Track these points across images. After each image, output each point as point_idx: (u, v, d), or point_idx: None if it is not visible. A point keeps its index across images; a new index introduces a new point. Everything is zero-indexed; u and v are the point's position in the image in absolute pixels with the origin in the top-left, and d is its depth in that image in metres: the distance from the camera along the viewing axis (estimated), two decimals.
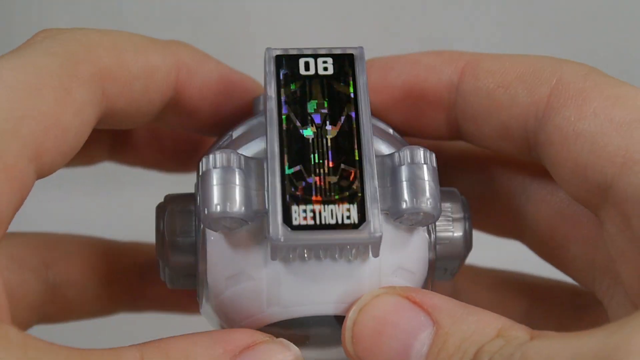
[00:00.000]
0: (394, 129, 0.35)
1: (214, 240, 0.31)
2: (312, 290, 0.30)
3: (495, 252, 0.40)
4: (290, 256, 0.29)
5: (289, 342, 0.29)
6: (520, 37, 0.63)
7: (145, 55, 0.32)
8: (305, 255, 0.30)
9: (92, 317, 0.39)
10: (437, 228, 0.33)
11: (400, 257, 0.31)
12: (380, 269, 0.31)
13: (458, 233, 0.34)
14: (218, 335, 0.29)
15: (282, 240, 0.29)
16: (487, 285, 0.40)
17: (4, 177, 0.27)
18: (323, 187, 0.29)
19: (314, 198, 0.29)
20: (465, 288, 0.40)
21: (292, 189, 0.29)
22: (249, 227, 0.30)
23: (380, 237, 0.29)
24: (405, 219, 0.30)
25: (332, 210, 0.29)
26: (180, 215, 0.33)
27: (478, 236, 0.36)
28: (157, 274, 0.35)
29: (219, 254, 0.31)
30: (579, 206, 0.35)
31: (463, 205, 0.34)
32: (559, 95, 0.31)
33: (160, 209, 0.33)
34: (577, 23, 0.62)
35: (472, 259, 0.36)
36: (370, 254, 0.30)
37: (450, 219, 0.34)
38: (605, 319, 0.33)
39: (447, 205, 0.34)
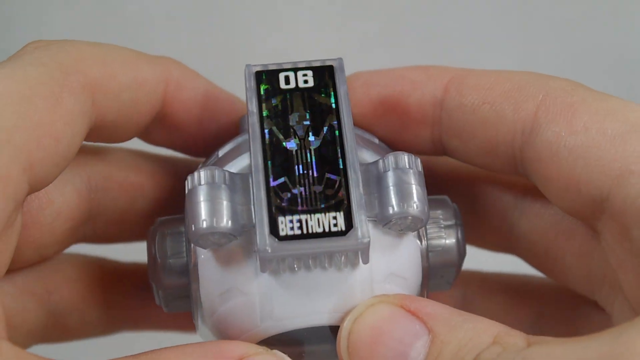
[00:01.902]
0: (379, 139, 0.35)
1: (205, 259, 0.31)
2: (305, 301, 0.30)
3: (502, 255, 0.39)
4: (280, 268, 0.30)
5: (283, 354, 0.29)
6: (518, 39, 0.63)
7: (135, 67, 0.32)
8: (295, 266, 0.30)
9: (90, 337, 0.38)
10: (428, 235, 0.33)
11: (391, 263, 0.31)
12: (372, 276, 0.30)
13: (450, 240, 0.33)
14: (211, 346, 0.28)
15: (269, 251, 0.29)
16: (497, 291, 0.40)
17: (1, 191, 0.27)
18: (308, 197, 0.29)
19: (300, 208, 0.29)
20: (474, 295, 0.40)
21: (278, 201, 0.29)
22: (238, 243, 0.30)
23: (369, 243, 0.29)
24: (394, 225, 0.30)
25: (318, 219, 0.29)
26: (171, 237, 0.33)
27: None
28: None
29: (210, 272, 0.31)
30: (572, 218, 0.35)
31: (454, 213, 0.34)
32: (547, 110, 0.31)
33: (152, 233, 0.33)
34: (576, 23, 0.62)
35: (481, 263, 0.36)
36: (360, 261, 0.30)
37: (441, 225, 0.33)
38: (547, 229, 0.35)
39: (438, 213, 0.34)
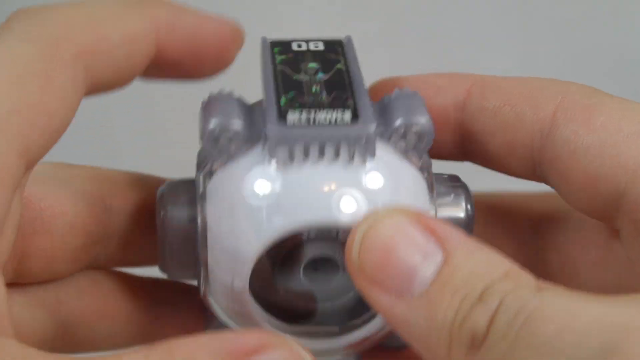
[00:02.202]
0: None
1: (212, 186, 0.31)
2: (312, 197, 0.30)
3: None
4: (288, 159, 0.30)
5: (299, 346, 0.28)
6: (518, 39, 0.63)
7: (124, 22, 0.32)
8: (302, 159, 0.30)
9: (99, 351, 0.38)
10: (437, 190, 0.33)
11: (398, 183, 0.31)
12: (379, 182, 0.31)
13: (460, 214, 0.33)
14: (226, 337, 0.28)
15: (278, 133, 0.29)
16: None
17: (2, 181, 0.27)
18: (317, 101, 0.30)
19: (308, 106, 0.30)
20: None
21: (287, 100, 0.30)
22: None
23: (375, 130, 0.30)
24: (400, 138, 0.31)
25: (326, 113, 0.30)
26: (180, 183, 0.33)
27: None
28: (173, 314, 0.35)
29: (218, 194, 0.31)
30: (586, 230, 0.35)
31: (464, 190, 0.34)
32: (565, 111, 0.32)
33: (159, 195, 0.33)
34: (576, 23, 0.62)
35: None
36: (368, 157, 0.30)
37: (449, 185, 0.34)
38: (563, 242, 0.36)
39: (444, 176, 0.34)
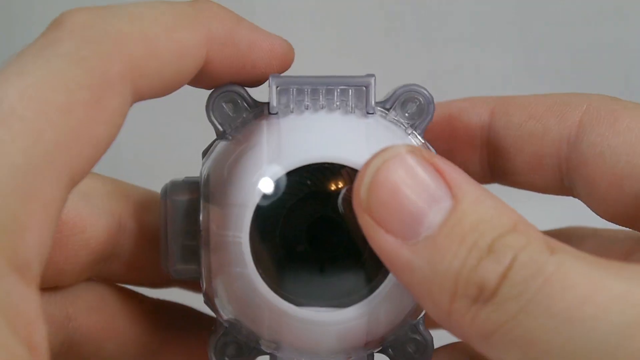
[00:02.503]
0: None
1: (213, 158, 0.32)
2: (313, 140, 0.31)
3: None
4: (289, 103, 0.31)
5: None
6: (518, 39, 0.63)
7: (176, 35, 0.31)
8: (304, 105, 0.31)
9: None
10: None
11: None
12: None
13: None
14: None
15: (281, 79, 0.31)
16: None
17: (45, 216, 0.26)
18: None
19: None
20: None
21: None
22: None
23: (374, 78, 0.31)
24: (400, 107, 0.32)
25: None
26: (184, 180, 0.33)
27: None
28: (180, 339, 0.35)
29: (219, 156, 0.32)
30: (610, 246, 0.36)
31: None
32: (590, 117, 0.33)
33: (162, 191, 0.34)
34: (577, 23, 0.62)
35: None
36: (368, 109, 0.31)
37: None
38: None
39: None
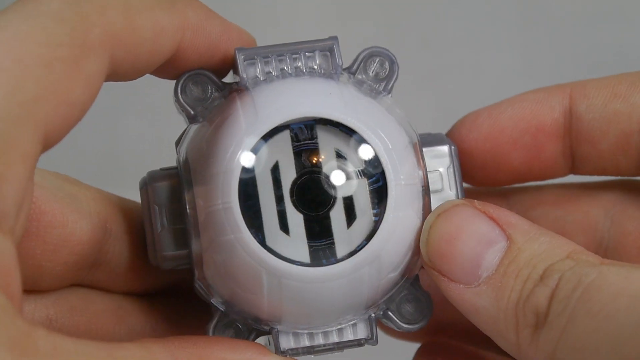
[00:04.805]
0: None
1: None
2: (288, 101, 0.31)
3: None
4: (258, 74, 0.32)
5: None
6: (518, 39, 0.63)
7: (154, 15, 0.31)
8: (273, 70, 0.32)
9: None
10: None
11: (368, 103, 0.32)
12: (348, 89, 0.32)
13: (444, 148, 0.34)
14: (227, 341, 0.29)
15: (246, 50, 0.32)
16: None
17: (23, 168, 0.26)
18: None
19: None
20: None
21: None
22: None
23: (336, 39, 0.32)
24: (364, 69, 0.32)
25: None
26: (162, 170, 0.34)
27: None
28: (173, 330, 0.35)
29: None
30: None
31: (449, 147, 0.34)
32: None
33: (142, 183, 0.33)
34: (577, 23, 0.62)
35: None
36: (335, 69, 0.32)
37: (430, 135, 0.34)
38: None
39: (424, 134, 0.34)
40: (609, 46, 0.62)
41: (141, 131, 0.63)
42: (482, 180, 0.36)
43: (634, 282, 0.27)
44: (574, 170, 0.36)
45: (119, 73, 0.31)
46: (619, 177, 0.36)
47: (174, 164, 0.33)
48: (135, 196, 0.35)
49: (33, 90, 0.27)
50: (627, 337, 0.26)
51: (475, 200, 0.31)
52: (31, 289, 0.34)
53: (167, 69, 0.33)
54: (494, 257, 0.29)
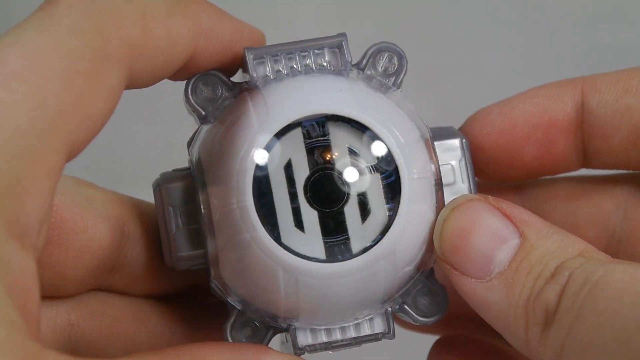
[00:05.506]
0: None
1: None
2: (299, 98, 0.31)
3: None
4: (267, 72, 0.32)
5: None
6: (518, 39, 0.63)
7: (169, 23, 0.31)
8: (282, 69, 0.32)
9: None
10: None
11: (378, 98, 0.32)
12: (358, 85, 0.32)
13: (455, 142, 0.34)
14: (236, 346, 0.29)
15: (256, 49, 0.32)
16: None
17: (47, 183, 0.26)
18: None
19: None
20: None
21: None
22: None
23: (345, 36, 0.32)
24: (373, 64, 0.33)
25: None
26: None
27: None
28: (191, 331, 0.35)
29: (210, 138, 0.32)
30: None
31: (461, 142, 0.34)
32: None
33: (156, 185, 0.33)
34: (577, 23, 0.62)
35: None
36: (344, 66, 0.32)
37: (441, 128, 0.34)
38: None
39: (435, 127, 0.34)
40: (609, 46, 0.62)
41: (151, 134, 0.63)
42: (495, 176, 0.36)
43: (635, 279, 0.27)
44: (585, 164, 0.36)
45: (137, 82, 0.31)
46: (630, 171, 0.36)
47: (184, 165, 0.33)
48: (146, 199, 0.35)
49: (56, 104, 0.27)
50: (632, 333, 0.26)
51: (489, 196, 0.31)
52: (52, 295, 0.34)
53: (180, 72, 0.33)
54: (507, 253, 0.30)
